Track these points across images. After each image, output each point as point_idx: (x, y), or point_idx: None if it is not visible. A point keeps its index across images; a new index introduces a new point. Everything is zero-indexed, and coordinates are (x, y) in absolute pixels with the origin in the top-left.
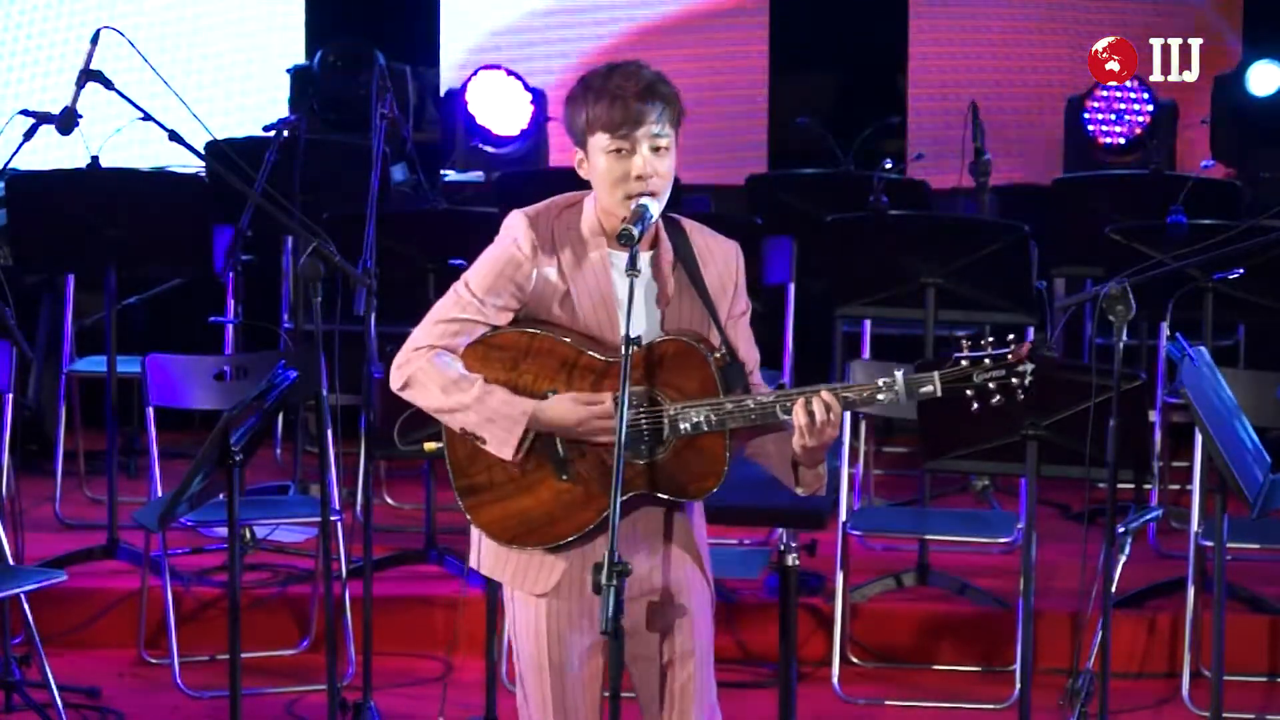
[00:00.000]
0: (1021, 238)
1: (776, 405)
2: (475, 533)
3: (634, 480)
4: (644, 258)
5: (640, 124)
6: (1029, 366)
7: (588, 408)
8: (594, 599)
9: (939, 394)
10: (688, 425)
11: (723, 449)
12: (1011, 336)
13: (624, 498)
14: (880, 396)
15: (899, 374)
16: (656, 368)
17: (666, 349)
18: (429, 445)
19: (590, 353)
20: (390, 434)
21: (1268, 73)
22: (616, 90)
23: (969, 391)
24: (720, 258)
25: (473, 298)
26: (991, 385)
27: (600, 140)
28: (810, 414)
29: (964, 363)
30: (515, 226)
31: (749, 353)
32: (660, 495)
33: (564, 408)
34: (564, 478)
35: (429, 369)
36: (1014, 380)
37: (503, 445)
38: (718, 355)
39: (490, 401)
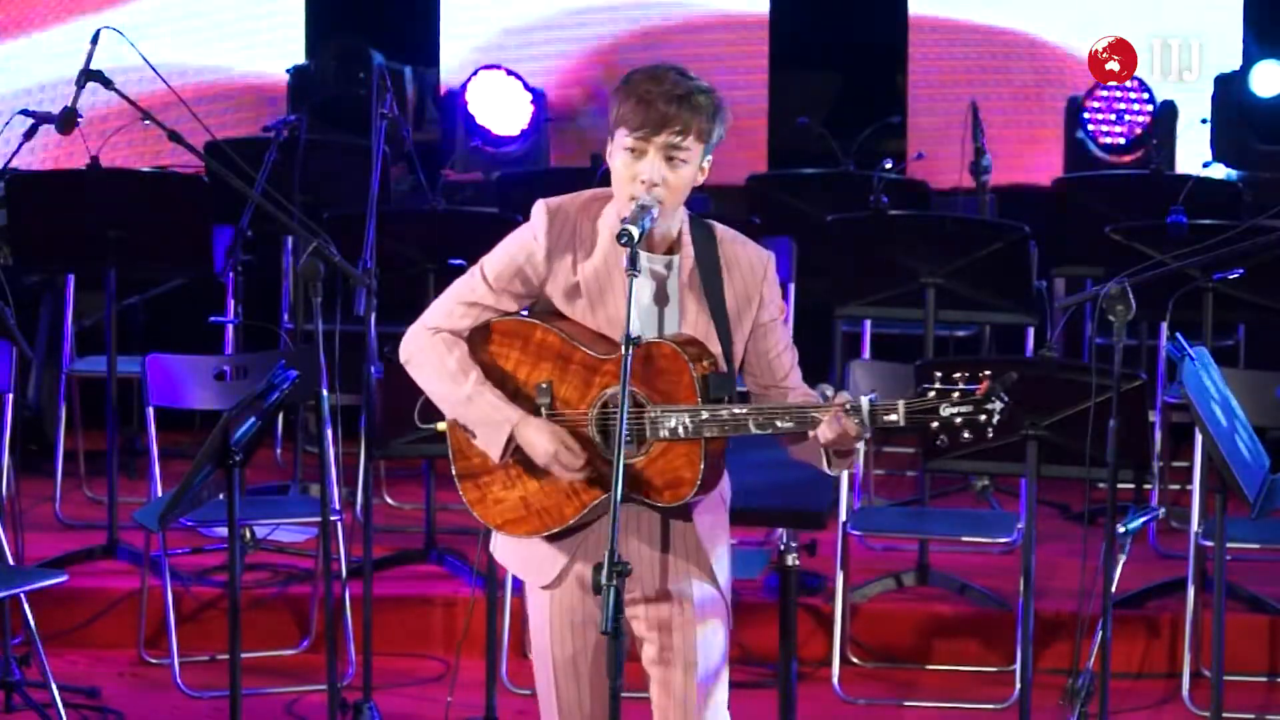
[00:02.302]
0: (1021, 238)
1: (749, 420)
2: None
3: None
4: (661, 260)
5: (660, 130)
6: (998, 405)
7: (563, 449)
8: (597, 596)
9: (902, 423)
10: (665, 430)
11: (698, 457)
12: (987, 373)
13: (600, 499)
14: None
15: (864, 399)
16: (644, 370)
17: (655, 352)
18: (440, 425)
19: (585, 348)
20: (389, 434)
21: (1272, 73)
22: (646, 93)
23: (934, 424)
24: (746, 267)
25: (485, 283)
26: (958, 420)
27: (621, 137)
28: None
29: (931, 394)
30: (536, 216)
31: (780, 358)
32: (634, 498)
33: (542, 438)
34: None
35: (430, 351)
36: (982, 418)
37: (490, 447)
38: (705, 363)
39: (480, 404)
